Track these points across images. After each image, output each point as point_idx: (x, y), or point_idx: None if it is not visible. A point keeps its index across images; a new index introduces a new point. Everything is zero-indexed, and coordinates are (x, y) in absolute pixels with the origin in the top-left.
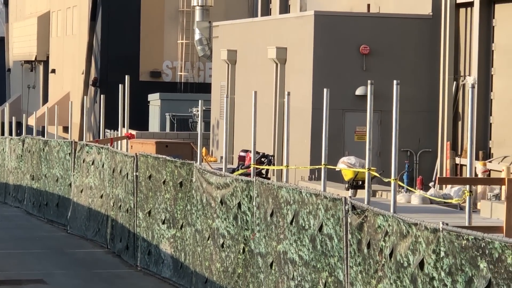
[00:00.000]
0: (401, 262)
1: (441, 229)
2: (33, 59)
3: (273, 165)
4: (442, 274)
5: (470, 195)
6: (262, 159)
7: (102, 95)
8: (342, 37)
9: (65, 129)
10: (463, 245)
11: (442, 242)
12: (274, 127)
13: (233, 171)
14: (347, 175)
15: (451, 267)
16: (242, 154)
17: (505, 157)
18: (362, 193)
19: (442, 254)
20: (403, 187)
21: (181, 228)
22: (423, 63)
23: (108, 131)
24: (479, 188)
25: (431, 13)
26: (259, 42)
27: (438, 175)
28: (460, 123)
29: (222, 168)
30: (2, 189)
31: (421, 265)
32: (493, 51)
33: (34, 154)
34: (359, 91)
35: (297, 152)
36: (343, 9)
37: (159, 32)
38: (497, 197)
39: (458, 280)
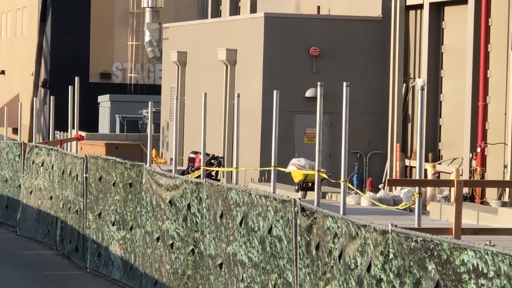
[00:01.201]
0: (349, 263)
1: (390, 230)
2: None
3: (223, 166)
4: (391, 275)
5: (419, 197)
6: (212, 161)
7: (51, 97)
8: (292, 39)
9: (15, 131)
10: (411, 247)
11: (391, 244)
12: (224, 129)
13: (183, 172)
14: (297, 177)
15: (399, 269)
16: (192, 155)
17: (454, 159)
18: (312, 195)
19: (391, 255)
20: (353, 189)
21: (131, 229)
22: (373, 65)
23: (58, 132)
24: (429, 190)
25: (381, 15)
26: (209, 43)
27: (388, 177)
28: (409, 125)
29: (172, 170)
30: None
31: (368, 267)
32: (442, 53)
33: None
34: (309, 93)
35: (247, 153)
36: (293, 11)
37: (109, 34)
38: (446, 198)
39: (406, 282)
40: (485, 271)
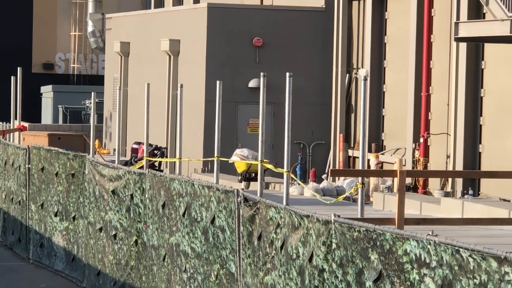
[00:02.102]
0: (291, 254)
1: (332, 221)
2: None
3: (166, 157)
4: (333, 265)
5: (362, 187)
6: (155, 152)
7: None
8: (235, 29)
9: None
10: (354, 237)
11: (334, 234)
12: (167, 120)
13: (126, 163)
14: (240, 167)
15: (342, 259)
16: (135, 146)
17: (397, 149)
18: (255, 185)
19: (334, 246)
20: (295, 180)
21: (73, 220)
22: (316, 55)
23: (0, 123)
24: (372, 180)
25: (324, 6)
26: (152, 34)
27: (331, 167)
28: (353, 115)
29: (115, 161)
30: None
31: (310, 257)
32: (385, 43)
33: None
34: (252, 84)
35: (190, 144)
36: (236, 2)
37: (52, 24)
38: (389, 189)
39: (348, 272)
40: (427, 261)
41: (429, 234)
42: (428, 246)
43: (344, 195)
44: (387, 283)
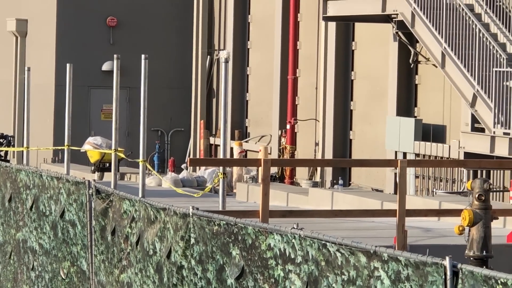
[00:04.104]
0: (148, 250)
1: (191, 214)
2: None
3: (13, 146)
4: (192, 262)
5: (224, 177)
6: (1, 140)
7: None
8: (87, 8)
9: None
10: (214, 231)
11: (192, 228)
12: (14, 105)
13: None
14: (93, 156)
15: (201, 255)
16: None
17: (262, 136)
18: (109, 176)
19: (192, 240)
20: (152, 170)
21: None
22: (175, 36)
23: None
24: (235, 170)
25: None
26: None
27: (191, 156)
28: (214, 100)
29: None
30: None
31: (168, 253)
32: (249, 23)
33: None
34: (105, 66)
35: (39, 132)
36: None
37: None
38: (254, 179)
39: (208, 269)
40: (292, 256)
41: (293, 228)
42: (293, 241)
43: (209, 187)
44: (250, 280)
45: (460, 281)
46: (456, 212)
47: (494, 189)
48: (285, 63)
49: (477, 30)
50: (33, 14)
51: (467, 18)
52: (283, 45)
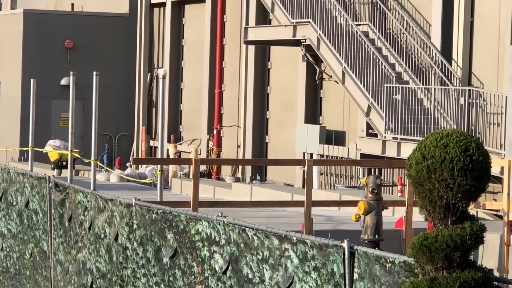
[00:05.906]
0: (99, 233)
1: (133, 204)
2: None
3: None
4: (135, 244)
5: (161, 173)
6: None
7: None
8: (49, 32)
9: None
10: (153, 218)
11: (135, 216)
12: None
13: None
14: (53, 156)
15: (142, 238)
16: None
17: (193, 140)
18: (66, 173)
19: (135, 226)
20: (102, 167)
21: None
22: (121, 56)
23: None
24: (171, 167)
25: (128, 12)
26: None
27: (134, 156)
28: (154, 109)
29: None
30: None
31: (115, 236)
32: (183, 46)
33: None
34: (63, 81)
35: (8, 135)
36: (50, 7)
37: None
38: (187, 175)
39: (148, 249)
40: (217, 239)
41: (218, 215)
42: (218, 226)
43: (149, 180)
44: (181, 259)
45: (356, 260)
46: (354, 203)
47: (385, 184)
48: (213, 79)
49: (371, 52)
50: (4, 37)
51: (363, 43)
52: (211, 64)
